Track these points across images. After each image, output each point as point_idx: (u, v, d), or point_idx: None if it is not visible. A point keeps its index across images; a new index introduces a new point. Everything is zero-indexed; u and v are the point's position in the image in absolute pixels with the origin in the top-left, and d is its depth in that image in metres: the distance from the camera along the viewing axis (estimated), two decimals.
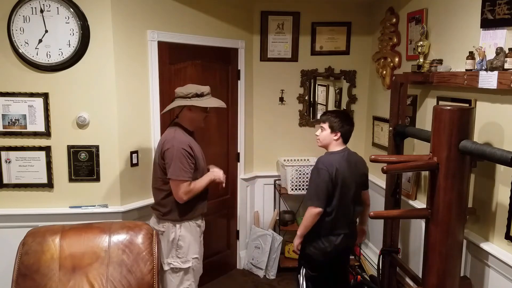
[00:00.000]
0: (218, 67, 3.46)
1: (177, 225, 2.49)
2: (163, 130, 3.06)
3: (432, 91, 2.76)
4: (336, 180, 2.48)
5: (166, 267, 2.51)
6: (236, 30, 3.56)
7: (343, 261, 2.80)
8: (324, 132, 2.61)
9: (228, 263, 3.84)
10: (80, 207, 2.72)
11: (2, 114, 2.61)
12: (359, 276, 3.52)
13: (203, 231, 2.67)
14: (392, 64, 3.31)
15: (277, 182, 3.95)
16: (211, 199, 3.57)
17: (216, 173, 2.60)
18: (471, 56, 2.22)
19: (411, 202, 2.98)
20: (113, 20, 2.63)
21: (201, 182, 2.49)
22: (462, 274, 2.31)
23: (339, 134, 2.58)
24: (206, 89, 2.52)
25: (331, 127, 2.58)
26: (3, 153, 2.65)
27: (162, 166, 2.46)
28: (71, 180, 2.71)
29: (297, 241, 2.66)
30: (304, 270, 2.64)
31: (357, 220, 2.85)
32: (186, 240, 2.51)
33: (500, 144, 2.10)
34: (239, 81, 3.65)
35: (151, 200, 3.00)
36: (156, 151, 2.53)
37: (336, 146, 2.61)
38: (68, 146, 2.68)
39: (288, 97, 3.88)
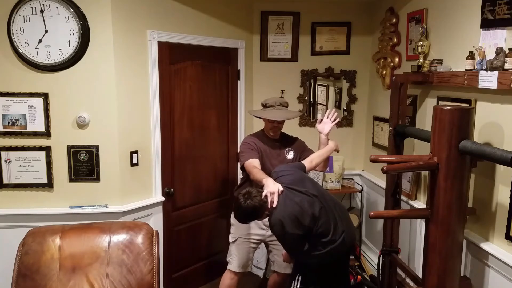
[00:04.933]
0: (218, 67, 3.46)
1: None
2: (163, 130, 3.07)
3: (432, 91, 2.76)
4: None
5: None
6: (236, 30, 3.56)
7: (345, 264, 2.71)
8: None
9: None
10: (80, 207, 2.72)
11: (2, 114, 2.61)
12: (359, 276, 3.52)
13: None
14: (392, 64, 3.30)
15: None
16: (211, 199, 3.60)
17: (270, 186, 2.32)
18: (471, 56, 2.22)
19: (411, 202, 2.98)
20: (113, 20, 2.63)
21: (258, 174, 2.54)
22: (462, 274, 2.31)
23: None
24: (272, 101, 2.78)
25: None
26: (3, 153, 2.65)
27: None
28: (71, 180, 2.71)
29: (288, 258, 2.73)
30: (300, 277, 2.58)
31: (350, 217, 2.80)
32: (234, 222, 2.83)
33: (500, 144, 2.10)
34: (239, 81, 3.65)
35: (151, 200, 3.01)
36: None
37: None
38: (68, 146, 2.68)
39: (288, 97, 3.86)
